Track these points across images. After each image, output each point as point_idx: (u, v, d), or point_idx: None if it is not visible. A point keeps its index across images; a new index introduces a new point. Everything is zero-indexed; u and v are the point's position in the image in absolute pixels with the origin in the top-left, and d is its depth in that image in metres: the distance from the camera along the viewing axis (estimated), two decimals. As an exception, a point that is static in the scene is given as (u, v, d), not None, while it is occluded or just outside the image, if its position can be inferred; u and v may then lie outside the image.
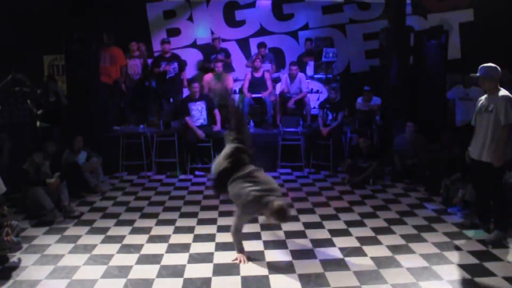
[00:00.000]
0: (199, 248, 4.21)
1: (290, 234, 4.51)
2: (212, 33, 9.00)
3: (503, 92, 4.16)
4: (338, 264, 3.83)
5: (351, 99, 7.90)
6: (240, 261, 3.87)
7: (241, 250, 3.97)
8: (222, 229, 4.70)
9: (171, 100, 7.93)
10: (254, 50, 9.07)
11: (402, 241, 4.33)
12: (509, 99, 4.09)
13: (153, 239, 4.45)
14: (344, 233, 4.55)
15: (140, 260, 3.97)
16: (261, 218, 4.20)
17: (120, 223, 4.94)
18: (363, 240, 4.35)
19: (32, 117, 6.95)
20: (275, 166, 7.37)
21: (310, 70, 8.61)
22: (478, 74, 4.27)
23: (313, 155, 7.33)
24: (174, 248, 4.22)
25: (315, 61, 8.59)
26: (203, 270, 3.75)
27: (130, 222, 4.95)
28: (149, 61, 8.37)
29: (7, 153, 6.01)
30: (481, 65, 4.26)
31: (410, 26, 8.08)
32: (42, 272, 3.74)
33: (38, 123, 6.94)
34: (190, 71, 8.93)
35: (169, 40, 8.02)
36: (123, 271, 3.75)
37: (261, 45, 8.35)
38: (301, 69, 8.33)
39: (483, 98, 4.37)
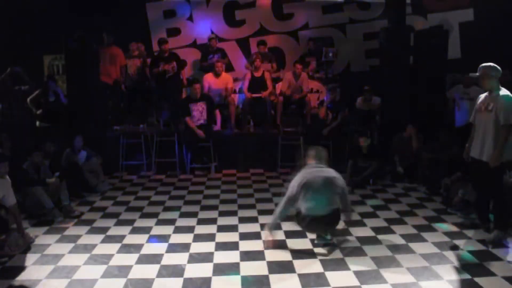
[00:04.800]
0: (199, 248, 4.21)
1: (290, 234, 4.51)
2: (212, 32, 9.00)
3: (503, 91, 4.15)
4: (338, 264, 3.82)
5: (351, 99, 7.91)
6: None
7: None
8: (222, 229, 4.71)
9: (170, 100, 7.91)
10: (254, 50, 9.07)
11: (402, 241, 4.34)
12: (510, 99, 4.08)
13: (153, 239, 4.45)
14: (345, 233, 4.55)
15: (140, 260, 3.97)
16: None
17: (120, 223, 4.94)
18: (363, 240, 4.36)
19: (32, 117, 6.95)
20: (275, 166, 7.37)
21: (313, 70, 8.62)
22: (477, 74, 4.27)
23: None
24: (174, 248, 4.22)
25: (317, 61, 8.61)
26: (203, 270, 3.74)
27: (130, 222, 4.95)
28: (149, 61, 8.38)
29: (7, 153, 6.00)
30: (481, 65, 4.26)
31: (410, 26, 8.09)
32: (42, 272, 3.74)
33: (38, 123, 6.94)
34: (189, 71, 8.94)
35: (166, 40, 7.99)
36: (123, 271, 3.75)
37: (260, 43, 8.35)
38: (304, 69, 8.35)
39: (482, 96, 4.37)
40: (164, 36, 8.96)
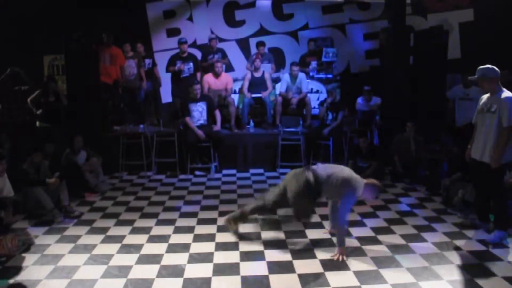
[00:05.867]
0: (199, 248, 4.21)
1: (290, 234, 4.51)
2: (212, 32, 9.01)
3: (506, 93, 4.13)
4: (338, 264, 3.82)
5: (351, 99, 7.91)
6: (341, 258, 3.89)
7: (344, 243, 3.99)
8: (222, 229, 4.70)
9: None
10: (254, 50, 9.08)
11: (402, 241, 4.34)
12: None
13: (153, 239, 4.45)
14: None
15: (140, 260, 3.97)
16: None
17: (120, 223, 4.94)
18: (363, 240, 4.36)
19: (32, 117, 6.96)
20: (275, 166, 7.38)
21: (313, 70, 8.63)
22: (475, 77, 4.26)
23: (313, 155, 7.33)
24: (174, 248, 4.22)
25: (317, 61, 8.62)
26: (203, 270, 3.74)
27: (130, 222, 4.95)
28: (147, 61, 8.39)
29: (7, 153, 6.01)
30: (479, 67, 4.24)
31: (410, 26, 8.09)
32: (42, 272, 3.74)
33: (38, 123, 6.94)
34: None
35: (186, 40, 7.99)
36: (123, 271, 3.75)
37: (260, 44, 8.37)
38: (304, 69, 8.36)
39: (484, 97, 4.35)
40: (164, 36, 8.98)
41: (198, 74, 7.98)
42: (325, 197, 4.25)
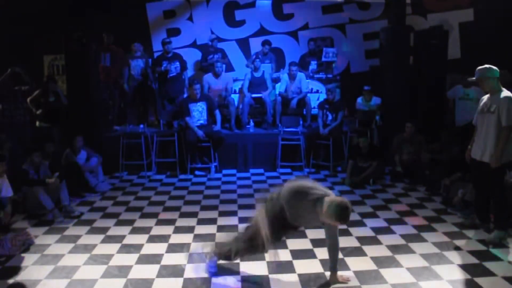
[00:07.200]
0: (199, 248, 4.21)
1: (290, 235, 4.50)
2: (212, 32, 9.01)
3: (505, 93, 4.13)
4: (338, 264, 3.81)
5: (351, 99, 7.90)
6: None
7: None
8: (222, 229, 4.71)
9: (176, 100, 7.92)
10: (254, 50, 9.08)
11: (402, 241, 4.34)
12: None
13: (153, 239, 4.45)
14: (344, 233, 4.54)
15: (140, 260, 3.97)
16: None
17: (120, 223, 4.94)
18: (363, 240, 4.36)
19: (32, 117, 6.96)
20: (275, 166, 7.38)
21: (313, 70, 8.63)
22: (474, 78, 4.26)
23: (313, 155, 7.33)
24: (174, 248, 4.22)
25: (317, 61, 8.62)
26: (203, 270, 3.74)
27: (130, 222, 4.95)
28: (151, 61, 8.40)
29: (7, 153, 6.01)
30: (477, 68, 4.24)
31: (410, 26, 8.09)
32: (42, 272, 3.74)
33: (38, 123, 6.95)
34: (189, 71, 8.94)
35: (170, 40, 8.01)
36: (123, 271, 3.75)
37: (265, 42, 8.38)
38: (304, 69, 8.35)
39: (485, 97, 4.35)
40: (164, 36, 8.97)
41: (185, 73, 8.02)
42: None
